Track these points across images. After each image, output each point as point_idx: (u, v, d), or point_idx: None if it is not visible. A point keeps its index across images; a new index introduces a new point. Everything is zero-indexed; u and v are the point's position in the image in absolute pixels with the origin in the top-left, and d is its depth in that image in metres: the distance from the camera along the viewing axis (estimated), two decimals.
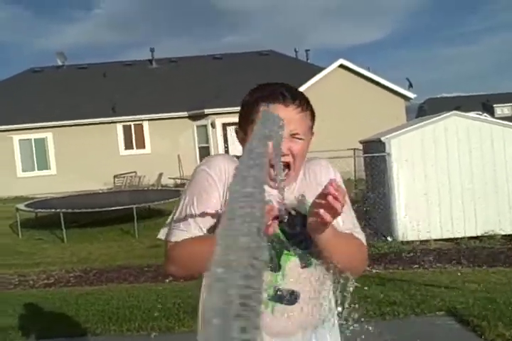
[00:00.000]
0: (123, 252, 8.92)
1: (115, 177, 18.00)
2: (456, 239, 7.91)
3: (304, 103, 1.55)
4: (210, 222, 1.50)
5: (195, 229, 1.50)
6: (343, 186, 1.53)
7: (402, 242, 7.85)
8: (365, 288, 5.00)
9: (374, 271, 6.27)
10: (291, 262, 1.51)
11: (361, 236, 1.63)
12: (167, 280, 6.52)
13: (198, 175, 1.57)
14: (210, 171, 1.54)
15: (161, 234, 1.60)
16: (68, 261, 8.49)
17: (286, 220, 1.47)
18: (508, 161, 8.08)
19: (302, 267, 1.52)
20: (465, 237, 7.88)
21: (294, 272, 1.50)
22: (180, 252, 1.48)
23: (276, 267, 1.49)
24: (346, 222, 1.59)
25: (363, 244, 1.62)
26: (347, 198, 1.66)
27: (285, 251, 1.51)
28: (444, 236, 7.97)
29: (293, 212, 1.52)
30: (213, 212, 1.50)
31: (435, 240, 7.92)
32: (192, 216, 1.51)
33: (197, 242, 1.45)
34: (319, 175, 1.63)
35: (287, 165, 1.52)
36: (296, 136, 1.53)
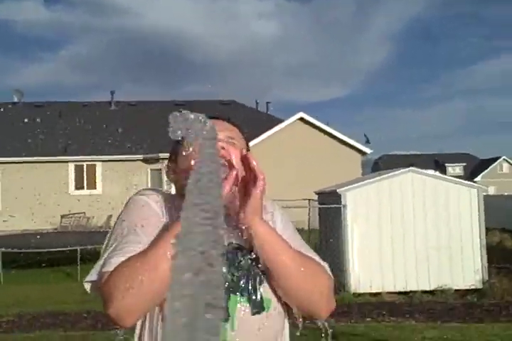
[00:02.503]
0: (62, 295, 8.43)
1: (62, 217, 17.42)
2: (409, 292, 7.78)
3: (239, 126, 1.53)
4: None
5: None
6: (292, 228, 1.45)
7: (354, 294, 7.67)
8: None
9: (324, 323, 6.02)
10: (241, 308, 1.25)
11: (322, 263, 1.37)
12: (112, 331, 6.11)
13: (136, 202, 1.37)
14: (148, 199, 1.37)
15: (89, 278, 1.25)
16: (2, 304, 7.98)
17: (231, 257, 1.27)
18: (461, 218, 8.09)
19: (254, 313, 1.26)
20: (418, 291, 7.77)
21: (244, 321, 1.24)
22: (122, 271, 1.15)
23: (226, 316, 1.21)
24: (296, 245, 1.34)
25: (320, 264, 1.34)
26: (293, 228, 1.47)
27: (232, 295, 1.25)
28: (397, 290, 7.83)
29: (235, 244, 1.30)
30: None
31: (388, 293, 7.77)
32: (136, 242, 1.23)
33: (148, 248, 1.19)
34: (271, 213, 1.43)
35: (228, 165, 1.28)
36: (233, 140, 1.41)
